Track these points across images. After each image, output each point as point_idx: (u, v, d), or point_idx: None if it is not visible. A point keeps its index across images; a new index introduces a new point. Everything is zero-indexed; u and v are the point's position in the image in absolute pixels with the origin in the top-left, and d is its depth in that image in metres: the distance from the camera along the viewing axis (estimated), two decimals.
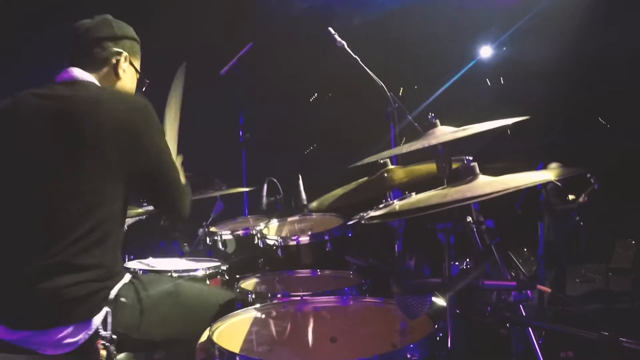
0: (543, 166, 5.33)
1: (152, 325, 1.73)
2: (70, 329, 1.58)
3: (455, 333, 1.46)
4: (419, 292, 1.34)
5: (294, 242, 2.71)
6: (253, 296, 2.12)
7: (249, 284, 2.47)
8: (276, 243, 2.72)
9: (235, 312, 1.82)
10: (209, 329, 1.65)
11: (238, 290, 2.23)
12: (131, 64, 1.92)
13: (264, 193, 3.44)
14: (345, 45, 2.83)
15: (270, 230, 3.06)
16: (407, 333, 1.72)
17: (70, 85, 1.73)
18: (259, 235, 2.89)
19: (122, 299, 1.67)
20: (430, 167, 2.36)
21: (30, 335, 1.59)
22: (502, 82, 7.81)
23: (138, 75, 1.97)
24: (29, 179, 1.65)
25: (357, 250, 2.59)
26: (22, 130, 1.68)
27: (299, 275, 2.56)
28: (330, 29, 2.84)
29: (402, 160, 2.67)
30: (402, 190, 2.54)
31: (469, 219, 1.67)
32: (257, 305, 1.88)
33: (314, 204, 2.90)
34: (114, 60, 1.86)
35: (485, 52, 7.61)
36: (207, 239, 3.22)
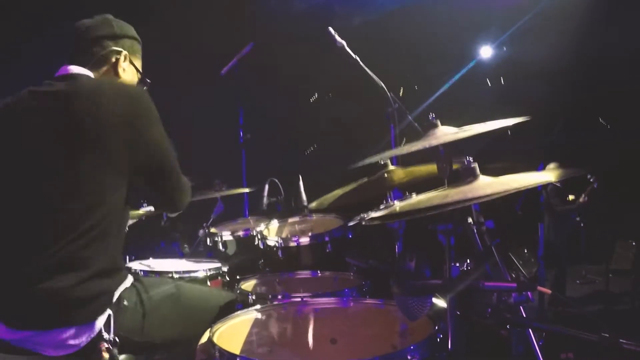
0: (544, 167, 5.34)
1: (154, 328, 1.74)
2: (72, 331, 1.58)
3: (456, 334, 1.46)
4: (419, 294, 1.34)
5: (295, 243, 2.71)
6: (253, 297, 2.11)
7: (249, 285, 2.47)
8: (276, 244, 2.72)
9: (236, 313, 1.82)
10: (209, 330, 1.65)
11: (238, 291, 2.22)
12: (131, 63, 1.92)
13: (265, 193, 3.44)
14: (345, 45, 2.82)
15: (271, 232, 3.06)
16: (408, 334, 1.72)
17: (68, 80, 1.73)
18: (259, 237, 2.89)
19: (125, 302, 1.67)
20: (430, 167, 2.35)
21: (32, 336, 1.58)
22: (502, 82, 7.82)
23: (139, 75, 1.97)
24: (29, 178, 1.65)
25: (357, 252, 2.59)
26: (22, 129, 1.68)
27: (299, 276, 2.55)
28: (330, 29, 2.83)
29: (402, 160, 2.66)
30: (402, 191, 2.53)
31: (470, 219, 1.67)
32: (258, 307, 1.88)
33: (313, 204, 2.90)
34: (113, 59, 1.86)
35: (485, 52, 7.62)
36: (208, 240, 3.22)
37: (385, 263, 2.43)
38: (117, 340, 1.62)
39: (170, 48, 5.12)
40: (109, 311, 1.62)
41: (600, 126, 8.53)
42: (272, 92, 6.58)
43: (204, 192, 3.34)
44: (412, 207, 1.51)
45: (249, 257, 2.95)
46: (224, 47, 4.75)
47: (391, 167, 2.58)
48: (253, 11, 5.93)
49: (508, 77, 7.78)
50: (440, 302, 1.59)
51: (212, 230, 3.26)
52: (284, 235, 3.03)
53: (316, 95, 7.57)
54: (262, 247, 2.84)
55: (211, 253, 3.18)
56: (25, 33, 5.01)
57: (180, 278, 2.48)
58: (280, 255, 2.69)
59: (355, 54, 2.82)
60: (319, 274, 2.52)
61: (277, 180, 3.44)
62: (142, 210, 3.01)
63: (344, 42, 2.83)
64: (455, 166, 1.62)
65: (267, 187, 3.45)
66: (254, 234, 2.95)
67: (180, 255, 4.10)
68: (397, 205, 1.84)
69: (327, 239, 2.66)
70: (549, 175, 1.46)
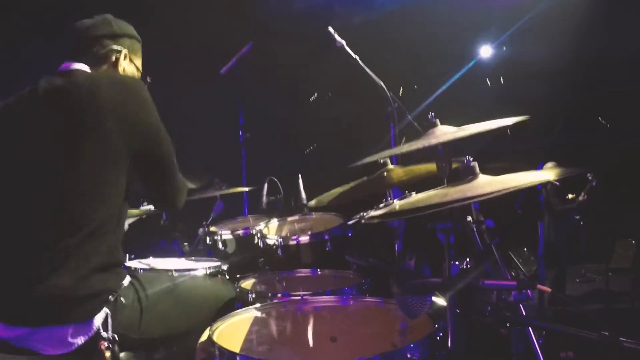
0: (543, 166, 5.34)
1: (152, 324, 1.74)
2: (70, 329, 1.58)
3: (456, 333, 1.46)
4: (419, 292, 1.34)
5: (294, 242, 2.71)
6: (253, 296, 2.12)
7: (249, 283, 2.47)
8: (276, 243, 2.72)
9: (236, 311, 1.82)
10: (209, 328, 1.65)
11: (238, 289, 2.23)
12: (132, 61, 1.92)
13: (264, 192, 3.44)
14: (345, 45, 2.83)
15: (270, 230, 3.06)
16: (407, 333, 1.72)
17: (65, 75, 1.73)
18: (259, 235, 2.89)
19: (122, 300, 1.67)
20: (430, 166, 2.36)
21: (29, 333, 1.58)
22: (502, 82, 7.82)
23: (139, 74, 1.98)
24: (29, 176, 1.65)
25: (357, 250, 2.59)
26: (22, 129, 1.68)
27: (299, 274, 2.56)
28: (330, 28, 2.84)
29: (402, 160, 2.67)
30: (402, 189, 2.53)
31: (469, 218, 1.67)
32: (258, 305, 1.88)
33: (312, 202, 2.91)
34: (113, 58, 1.86)
35: (485, 52, 7.62)
36: (207, 238, 3.22)
37: (385, 261, 2.43)
38: (117, 338, 1.62)
39: (170, 48, 5.11)
40: (105, 309, 1.62)
41: (600, 126, 8.53)
42: (272, 91, 6.58)
43: (203, 191, 3.34)
44: (411, 205, 1.51)
45: (248, 255, 2.95)
46: (224, 47, 4.75)
47: (391, 166, 2.58)
48: (253, 11, 5.92)
49: (508, 77, 7.78)
50: (440, 301, 1.59)
51: (212, 229, 3.26)
52: (283, 234, 3.04)
53: (316, 94, 7.57)
54: (261, 245, 2.85)
55: (211, 252, 3.18)
56: (25, 33, 5.01)
57: (179, 277, 2.47)
58: (280, 254, 2.69)
59: (355, 53, 2.82)
60: (319, 273, 2.53)
61: (276, 179, 3.44)
62: (142, 209, 3.01)
63: (343, 42, 2.83)
64: (454, 165, 1.62)
65: (266, 186, 3.45)
66: (254, 233, 2.96)
67: (180, 254, 4.10)
68: (397, 203, 1.84)
69: (326, 237, 2.67)
70: (547, 174, 1.46)
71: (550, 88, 7.04)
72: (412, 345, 1.38)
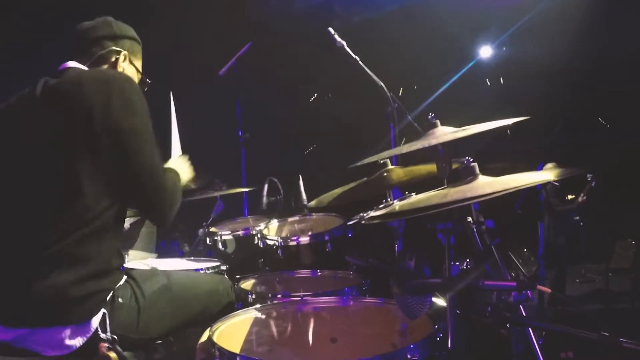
0: (543, 166, 5.35)
1: (150, 324, 1.74)
2: (68, 331, 1.57)
3: (456, 333, 1.46)
4: (419, 293, 1.34)
5: (294, 243, 2.71)
6: (253, 296, 2.12)
7: (249, 284, 2.47)
8: (276, 243, 2.72)
9: (236, 312, 1.82)
10: (209, 329, 1.65)
11: (238, 290, 2.22)
12: (131, 63, 1.92)
13: (265, 193, 3.44)
14: (345, 45, 2.83)
15: (270, 231, 3.06)
16: (408, 333, 1.72)
17: (61, 74, 1.73)
18: (259, 236, 2.89)
19: (119, 300, 1.67)
20: (430, 167, 2.35)
21: (27, 334, 1.58)
22: (502, 82, 7.83)
23: (139, 75, 1.97)
24: (29, 177, 1.65)
25: (357, 251, 2.59)
26: (22, 129, 1.68)
27: (299, 275, 2.55)
28: (330, 29, 2.83)
29: (402, 160, 2.67)
30: (402, 190, 2.53)
31: (469, 219, 1.67)
32: (257, 306, 1.88)
33: (312, 203, 2.91)
34: (112, 59, 1.86)
35: (485, 52, 7.63)
36: (207, 239, 3.22)
37: (385, 262, 2.43)
38: (116, 338, 1.62)
39: (169, 48, 5.12)
40: (103, 310, 1.62)
41: (600, 126, 8.54)
42: (272, 91, 6.59)
43: (203, 192, 3.34)
44: (411, 206, 1.51)
45: (248, 256, 2.95)
46: (224, 47, 4.75)
47: (391, 167, 2.58)
48: (253, 11, 5.93)
49: (508, 77, 7.79)
50: (440, 301, 1.59)
51: (212, 229, 3.26)
52: (283, 235, 3.04)
53: (316, 95, 7.58)
54: (261, 246, 2.85)
55: (211, 252, 3.18)
56: (25, 33, 5.01)
57: (176, 275, 2.47)
58: (280, 254, 2.69)
59: (355, 53, 2.82)
60: (319, 273, 2.52)
61: (276, 180, 3.44)
62: None
63: (343, 42, 2.83)
64: (454, 166, 1.62)
65: (266, 186, 3.45)
66: (254, 233, 2.96)
67: (180, 254, 4.11)
68: (397, 204, 1.84)
69: (326, 238, 2.66)
70: (547, 174, 1.46)
71: (550, 88, 7.05)
72: (412, 346, 1.38)
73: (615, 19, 6.31)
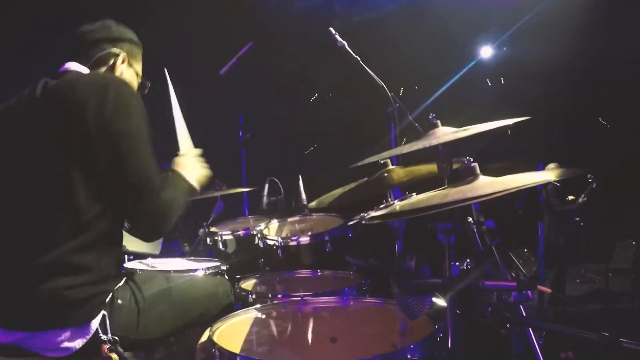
0: (544, 166, 5.35)
1: (150, 325, 1.73)
2: (67, 333, 1.57)
3: (456, 333, 1.46)
4: (419, 293, 1.34)
5: (294, 243, 2.71)
6: (253, 296, 2.12)
7: (249, 284, 2.47)
8: (276, 243, 2.72)
9: (236, 312, 1.82)
10: (209, 329, 1.65)
11: (238, 290, 2.23)
12: (130, 66, 1.91)
13: (265, 193, 3.44)
14: (346, 45, 2.82)
15: (271, 231, 3.06)
16: (408, 333, 1.72)
17: (61, 75, 1.73)
18: (259, 236, 2.89)
19: (119, 301, 1.67)
20: (430, 167, 2.35)
21: (27, 337, 1.58)
22: (502, 82, 7.83)
23: (139, 78, 1.97)
24: (28, 178, 1.65)
25: (357, 251, 2.59)
26: (22, 130, 1.68)
27: (299, 275, 2.55)
28: (330, 29, 2.83)
29: (402, 160, 2.67)
30: (402, 190, 2.53)
31: (470, 219, 1.67)
32: (258, 306, 1.88)
33: (313, 203, 2.91)
34: (111, 61, 1.85)
35: (486, 52, 7.63)
36: (208, 239, 3.22)
37: (385, 262, 2.43)
38: (117, 339, 1.62)
39: (170, 48, 5.12)
40: (103, 312, 1.62)
41: (600, 126, 8.54)
42: (272, 92, 6.59)
43: (204, 192, 3.34)
44: (412, 206, 1.51)
45: (248, 256, 2.95)
46: (224, 46, 4.75)
47: (391, 167, 2.58)
48: (253, 11, 5.93)
49: (508, 77, 7.79)
50: (440, 301, 1.59)
51: (212, 229, 3.27)
52: (283, 235, 3.04)
53: (316, 95, 7.58)
54: (262, 246, 2.85)
55: (211, 252, 3.18)
56: (25, 33, 5.01)
57: (176, 277, 2.47)
58: (280, 255, 2.69)
59: (355, 53, 2.82)
60: (319, 273, 2.53)
61: (277, 180, 3.44)
62: None
63: (344, 42, 2.83)
64: (455, 166, 1.62)
65: (267, 186, 3.45)
66: (254, 233, 2.96)
67: (181, 254, 4.10)
68: (397, 204, 1.84)
69: (327, 238, 2.66)
70: (548, 174, 1.46)
71: (550, 88, 7.06)
72: (412, 346, 1.37)
73: (615, 19, 6.31)
